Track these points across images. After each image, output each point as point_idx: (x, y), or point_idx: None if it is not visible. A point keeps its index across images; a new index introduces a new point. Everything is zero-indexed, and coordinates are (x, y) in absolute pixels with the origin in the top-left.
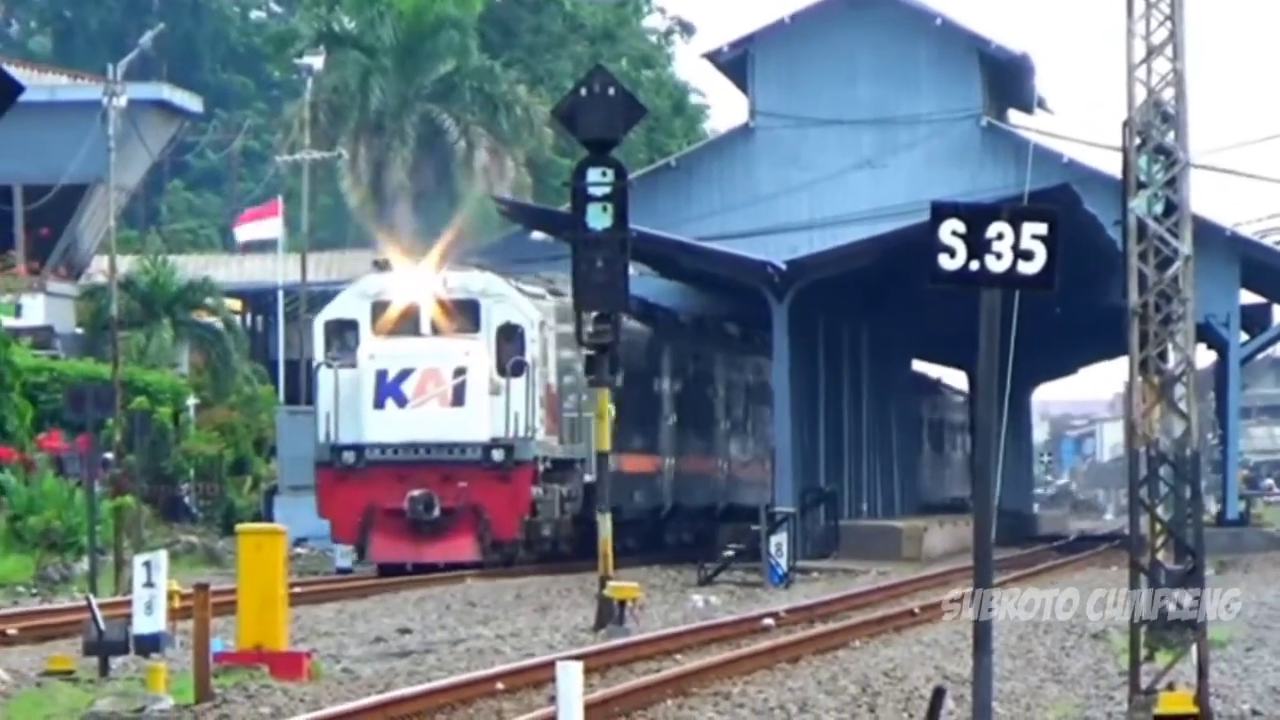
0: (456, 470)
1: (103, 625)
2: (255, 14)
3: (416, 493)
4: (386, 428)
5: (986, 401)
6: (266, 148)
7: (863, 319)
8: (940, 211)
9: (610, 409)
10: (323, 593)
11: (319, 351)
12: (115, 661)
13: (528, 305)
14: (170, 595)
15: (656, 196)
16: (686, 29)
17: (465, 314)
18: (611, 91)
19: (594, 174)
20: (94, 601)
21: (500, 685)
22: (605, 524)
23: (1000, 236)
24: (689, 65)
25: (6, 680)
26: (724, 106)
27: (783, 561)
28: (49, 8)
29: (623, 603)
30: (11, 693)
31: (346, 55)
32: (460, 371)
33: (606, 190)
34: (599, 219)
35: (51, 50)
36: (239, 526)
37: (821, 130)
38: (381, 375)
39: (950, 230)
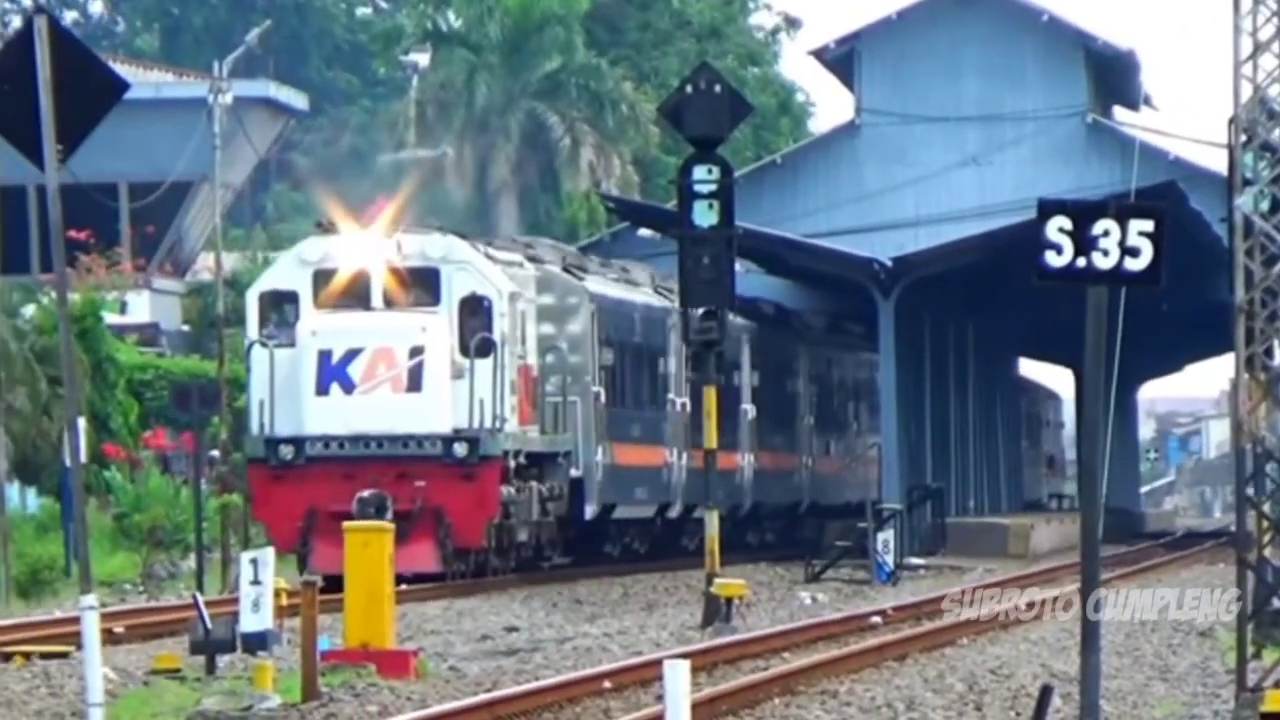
0: (412, 467)
1: (209, 623)
2: (361, 11)
3: (366, 493)
4: (330, 417)
5: (1093, 398)
6: (372, 145)
7: (968, 316)
8: (1047, 208)
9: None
10: (429, 590)
11: (252, 328)
12: (222, 660)
13: (496, 274)
14: (277, 593)
15: (762, 193)
16: (793, 25)
17: (422, 284)
18: (718, 89)
19: (700, 171)
20: (200, 599)
21: (607, 684)
22: (713, 520)
23: (1107, 233)
24: (795, 62)
25: (113, 679)
26: (830, 103)
27: (890, 559)
28: (155, 6)
29: (729, 600)
30: (118, 691)
31: (452, 53)
32: (417, 351)
33: (712, 187)
34: (705, 216)
35: (157, 48)
36: (345, 524)
37: (927, 127)
38: (325, 356)
39: (1057, 227)
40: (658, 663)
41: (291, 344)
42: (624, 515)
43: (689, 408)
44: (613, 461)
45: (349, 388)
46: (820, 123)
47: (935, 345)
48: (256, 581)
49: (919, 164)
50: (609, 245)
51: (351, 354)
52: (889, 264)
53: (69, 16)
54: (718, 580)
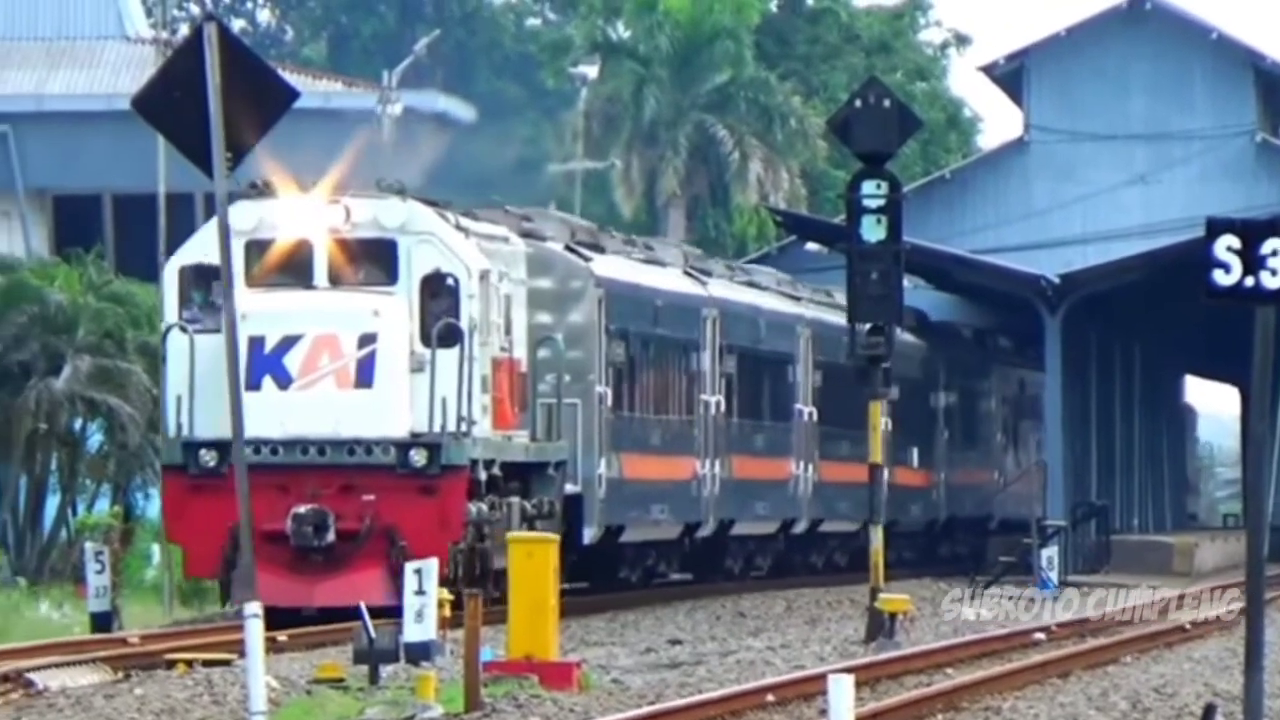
0: (360, 478)
1: (373, 633)
2: (530, 22)
3: (303, 509)
4: (262, 418)
5: (1259, 417)
6: (540, 156)
7: (1135, 334)
8: (1215, 227)
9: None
10: (593, 602)
11: (170, 310)
12: (385, 670)
13: (466, 248)
14: (440, 603)
15: (930, 209)
16: (962, 41)
17: (376, 259)
18: (886, 103)
19: (868, 186)
20: (364, 609)
21: (770, 697)
22: (877, 535)
23: (1275, 253)
24: (963, 77)
25: (276, 688)
26: (997, 120)
27: (1053, 575)
28: (323, 15)
29: (893, 615)
30: (281, 700)
31: (621, 65)
32: (367, 339)
33: (881, 202)
34: (873, 231)
35: (325, 57)
36: (509, 535)
37: (1095, 145)
38: (256, 344)
39: (1225, 246)
40: (821, 677)
41: (217, 329)
42: (636, 537)
43: (724, 408)
44: (620, 475)
45: (285, 382)
46: (988, 139)
47: (1101, 362)
48: (420, 592)
49: (1087, 181)
50: (776, 259)
51: (288, 342)
52: (1056, 280)
53: (237, 24)
54: (881, 595)
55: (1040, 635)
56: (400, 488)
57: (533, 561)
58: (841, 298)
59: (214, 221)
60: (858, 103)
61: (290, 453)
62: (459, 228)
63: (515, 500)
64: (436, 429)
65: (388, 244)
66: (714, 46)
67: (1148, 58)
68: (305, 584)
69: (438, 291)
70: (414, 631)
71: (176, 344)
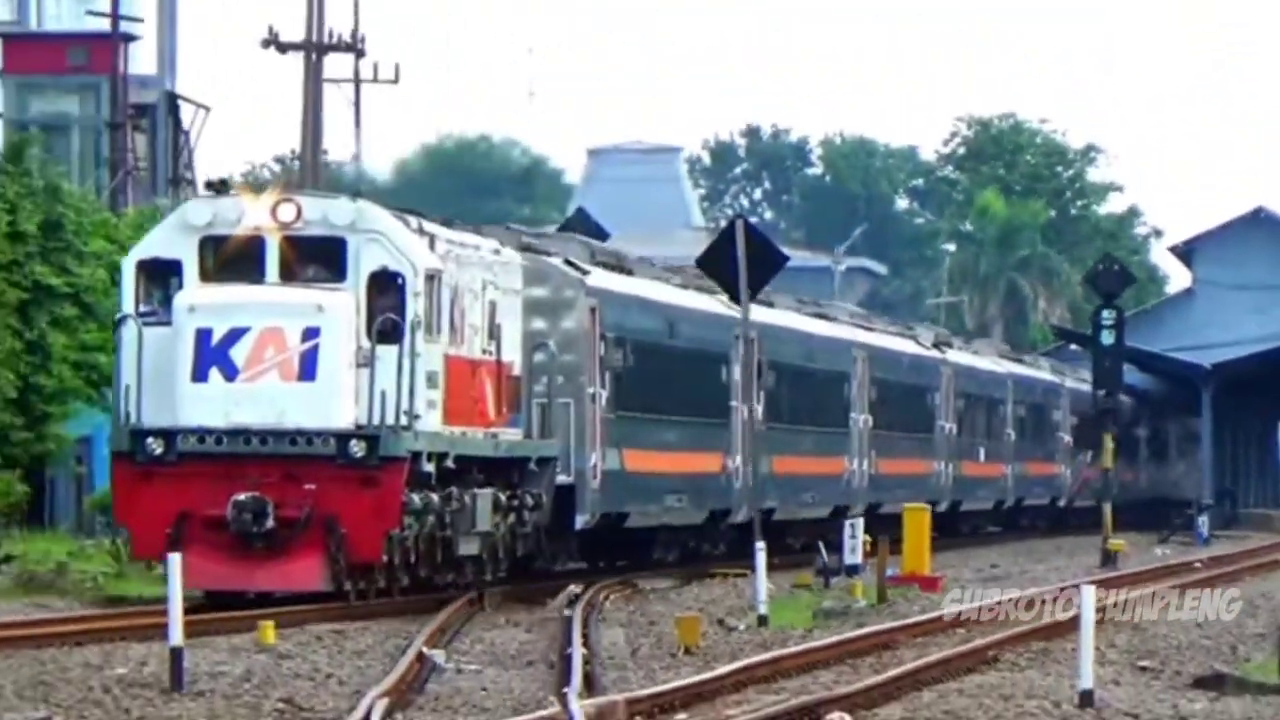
0: (301, 467)
1: (826, 559)
2: (918, 220)
3: (243, 496)
4: (208, 408)
5: None
6: (922, 294)
7: (1256, 397)
8: None
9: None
10: (948, 542)
11: (128, 303)
12: (833, 580)
13: (416, 248)
14: (865, 543)
15: (1139, 326)
16: (1159, 233)
17: (325, 256)
18: (1115, 268)
19: (1105, 314)
20: (822, 546)
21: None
22: (1107, 509)
23: None
24: (1158, 253)
25: (772, 589)
26: (1177, 276)
27: (1205, 530)
28: (801, 217)
29: (1115, 552)
30: (774, 596)
31: (967, 243)
32: (311, 333)
33: (1112, 323)
34: (1107, 339)
35: (805, 236)
36: (906, 505)
37: (1235, 290)
38: (204, 336)
39: None
40: (1076, 586)
41: (166, 322)
42: (644, 523)
43: (759, 414)
44: (621, 468)
45: (231, 374)
46: (1172, 287)
47: (1236, 414)
48: (853, 537)
49: (1231, 310)
50: (1054, 354)
51: (235, 334)
52: (1209, 367)
53: (754, 219)
54: (1110, 540)
55: (1198, 564)
56: (340, 478)
57: (916, 519)
58: (919, 329)
59: (171, 217)
60: (1100, 267)
61: (234, 442)
62: (422, 232)
63: (486, 491)
64: (376, 422)
65: (337, 241)
66: (1019, 234)
67: (1264, 242)
68: (244, 569)
69: (385, 289)
70: (850, 558)
71: (128, 335)
